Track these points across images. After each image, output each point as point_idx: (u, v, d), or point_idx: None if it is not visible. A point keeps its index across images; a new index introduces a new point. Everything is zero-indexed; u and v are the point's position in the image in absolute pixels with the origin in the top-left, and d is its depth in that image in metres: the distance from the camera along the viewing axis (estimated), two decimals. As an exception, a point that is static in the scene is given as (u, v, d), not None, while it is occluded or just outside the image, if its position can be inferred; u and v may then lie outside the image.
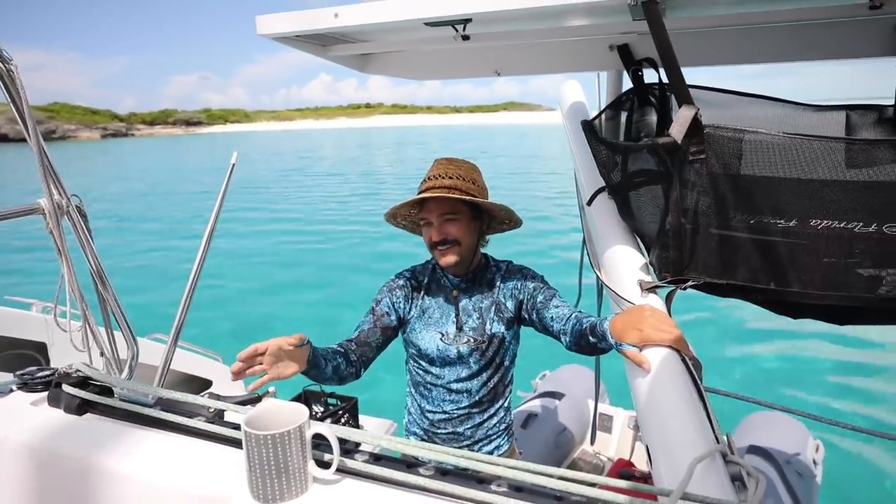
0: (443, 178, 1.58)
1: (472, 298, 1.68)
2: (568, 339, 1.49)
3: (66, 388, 1.13)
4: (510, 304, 1.66)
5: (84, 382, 1.15)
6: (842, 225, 1.11)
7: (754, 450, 2.53)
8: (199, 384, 3.86)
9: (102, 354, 1.25)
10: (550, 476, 0.79)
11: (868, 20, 1.32)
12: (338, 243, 13.12)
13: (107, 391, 1.15)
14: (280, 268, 11.16)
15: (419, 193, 1.60)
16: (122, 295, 1.30)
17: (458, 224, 1.59)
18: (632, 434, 3.14)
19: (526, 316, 1.65)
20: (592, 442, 2.81)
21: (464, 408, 1.66)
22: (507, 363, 1.71)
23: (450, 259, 1.59)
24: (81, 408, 1.12)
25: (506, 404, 1.74)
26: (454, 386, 1.66)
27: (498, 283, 1.69)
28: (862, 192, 1.08)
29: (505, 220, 1.70)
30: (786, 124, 1.38)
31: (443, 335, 1.64)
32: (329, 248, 12.75)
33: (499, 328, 1.65)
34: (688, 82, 1.17)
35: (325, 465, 0.89)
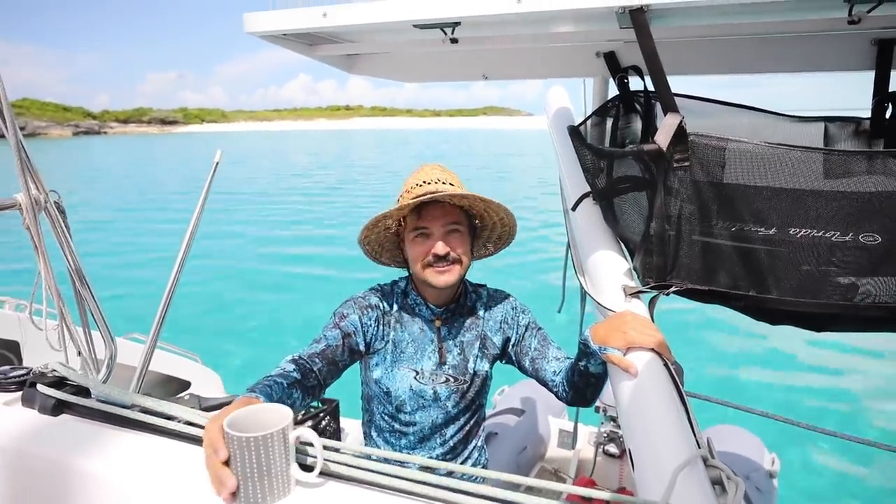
0: (440, 182, 1.35)
1: (453, 331, 1.46)
2: (562, 390, 1.38)
3: (40, 388, 1.10)
4: (497, 340, 1.47)
5: (60, 382, 1.13)
6: (819, 234, 1.13)
7: None
8: (178, 385, 3.78)
9: (79, 354, 1.22)
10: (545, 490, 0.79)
11: (847, 34, 1.36)
12: (326, 245, 13.01)
13: (83, 391, 1.12)
14: (261, 265, 11.03)
15: (412, 199, 1.32)
16: (99, 293, 1.27)
17: (462, 238, 1.38)
18: (593, 451, 3.03)
19: (514, 357, 1.48)
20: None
21: (435, 456, 1.46)
22: (482, 402, 1.53)
23: (450, 279, 1.36)
24: (57, 408, 1.09)
25: (479, 444, 1.56)
26: (427, 433, 1.45)
27: (481, 313, 1.49)
28: (839, 201, 1.10)
29: (489, 242, 1.55)
30: (766, 134, 1.41)
31: (417, 373, 1.41)
32: (316, 251, 12.63)
33: (482, 366, 1.46)
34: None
35: (307, 468, 0.88)
